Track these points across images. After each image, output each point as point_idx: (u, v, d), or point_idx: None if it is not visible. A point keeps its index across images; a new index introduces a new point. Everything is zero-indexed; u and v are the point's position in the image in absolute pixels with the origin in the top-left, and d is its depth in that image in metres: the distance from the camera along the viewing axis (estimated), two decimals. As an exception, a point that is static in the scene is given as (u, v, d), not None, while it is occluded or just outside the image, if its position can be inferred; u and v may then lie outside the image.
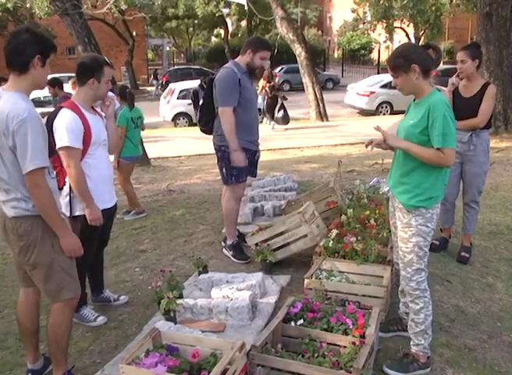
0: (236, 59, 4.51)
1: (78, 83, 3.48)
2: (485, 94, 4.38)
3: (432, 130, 2.83)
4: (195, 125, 4.65)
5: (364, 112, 19.07)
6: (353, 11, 36.77)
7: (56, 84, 7.99)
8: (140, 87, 31.50)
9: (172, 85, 18.85)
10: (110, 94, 3.80)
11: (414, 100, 3.05)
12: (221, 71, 4.45)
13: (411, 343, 3.11)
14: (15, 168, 2.71)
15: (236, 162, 4.38)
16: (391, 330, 3.44)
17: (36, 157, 2.65)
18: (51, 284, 2.90)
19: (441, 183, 2.99)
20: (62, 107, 3.42)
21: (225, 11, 35.68)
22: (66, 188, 3.46)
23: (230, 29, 42.81)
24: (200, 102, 4.60)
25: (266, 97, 14.70)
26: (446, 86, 4.56)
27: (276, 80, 28.11)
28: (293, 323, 3.10)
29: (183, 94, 17.24)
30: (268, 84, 14.45)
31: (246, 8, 21.68)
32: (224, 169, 4.59)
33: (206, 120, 4.59)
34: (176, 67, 34.44)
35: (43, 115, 4.71)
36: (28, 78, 2.74)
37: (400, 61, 2.89)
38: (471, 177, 4.58)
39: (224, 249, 4.82)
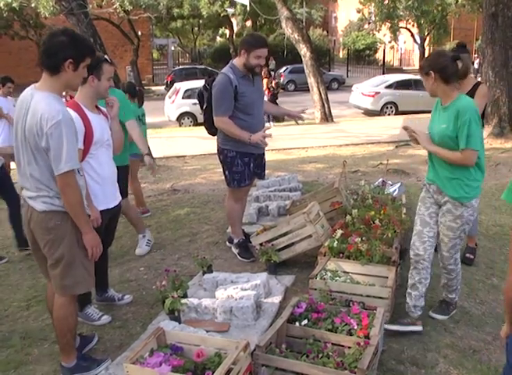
0: (235, 61, 4.42)
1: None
2: (476, 93, 4.41)
3: (459, 132, 3.13)
4: (200, 125, 4.65)
5: (369, 113, 19.04)
6: (359, 11, 36.73)
7: None
8: (145, 87, 31.52)
9: (177, 85, 18.85)
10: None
11: (441, 104, 3.32)
12: (217, 77, 4.39)
13: (444, 294, 3.66)
14: (47, 167, 2.75)
15: (258, 144, 4.30)
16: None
17: (70, 158, 2.71)
18: (69, 280, 2.94)
19: (482, 171, 3.32)
20: None
21: (230, 11, 35.63)
22: None
23: (235, 29, 42.77)
24: (205, 105, 4.58)
25: (269, 93, 14.88)
26: None
27: (281, 80, 28.33)
28: (297, 324, 3.10)
29: (187, 94, 17.24)
30: (273, 81, 14.74)
31: (248, 8, 21.63)
32: (227, 173, 4.58)
33: (211, 123, 4.52)
34: (181, 67, 34.45)
35: None
36: (59, 80, 2.76)
37: (423, 65, 3.26)
38: None
39: (232, 247, 4.85)
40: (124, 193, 4.84)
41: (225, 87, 4.27)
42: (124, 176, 4.85)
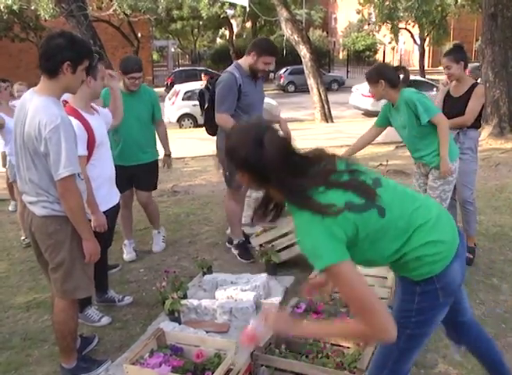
0: (240, 60, 4.44)
1: None
2: (472, 93, 4.43)
3: (418, 113, 3.80)
4: (200, 126, 4.67)
5: (369, 114, 19.01)
6: (358, 12, 36.69)
7: None
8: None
9: (177, 86, 18.85)
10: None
11: (392, 105, 4.06)
12: (222, 75, 4.41)
13: None
14: (46, 172, 2.71)
15: None
16: None
17: (70, 163, 2.66)
18: (70, 284, 2.93)
19: (451, 141, 4.04)
20: None
21: (230, 12, 35.70)
22: None
23: (235, 30, 42.78)
24: (206, 105, 4.58)
25: None
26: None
27: (281, 81, 28.32)
28: (296, 324, 3.10)
29: (187, 96, 17.22)
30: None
31: (248, 9, 21.59)
32: (227, 173, 4.59)
33: (211, 123, 4.54)
34: (181, 68, 34.48)
35: None
36: (58, 83, 2.72)
37: (371, 75, 3.95)
38: (459, 175, 4.57)
39: (232, 248, 4.86)
40: (155, 186, 5.06)
41: (229, 85, 4.28)
42: (157, 169, 5.03)
